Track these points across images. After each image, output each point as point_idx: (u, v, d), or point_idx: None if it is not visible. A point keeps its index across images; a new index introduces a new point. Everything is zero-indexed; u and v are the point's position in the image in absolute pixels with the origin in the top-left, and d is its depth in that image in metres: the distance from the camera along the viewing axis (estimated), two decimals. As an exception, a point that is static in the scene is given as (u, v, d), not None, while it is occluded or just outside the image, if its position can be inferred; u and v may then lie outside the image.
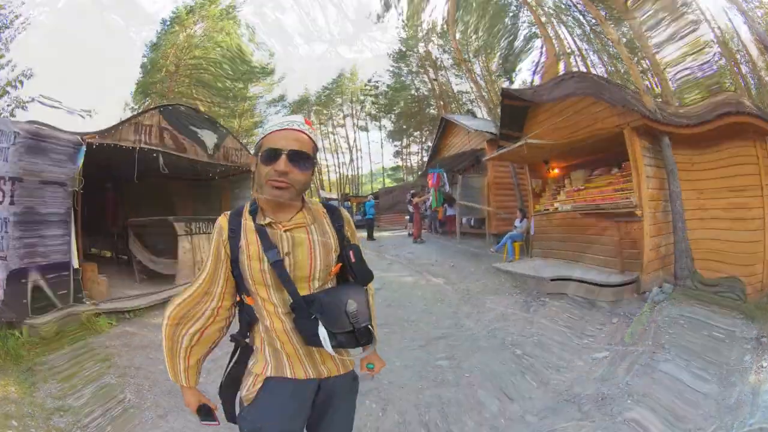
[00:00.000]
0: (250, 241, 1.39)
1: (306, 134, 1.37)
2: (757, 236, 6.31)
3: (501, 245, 9.88)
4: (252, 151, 1.53)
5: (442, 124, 17.02)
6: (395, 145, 42.86)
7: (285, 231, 1.41)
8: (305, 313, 1.34)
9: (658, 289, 6.21)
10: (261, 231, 1.39)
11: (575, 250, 8.06)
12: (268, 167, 1.33)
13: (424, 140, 38.61)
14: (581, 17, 20.26)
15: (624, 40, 19.05)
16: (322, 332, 1.30)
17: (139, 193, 11.93)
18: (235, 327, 1.57)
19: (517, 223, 10.20)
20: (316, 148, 1.43)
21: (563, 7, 20.74)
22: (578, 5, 19.66)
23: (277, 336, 1.42)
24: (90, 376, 4.22)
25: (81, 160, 5.91)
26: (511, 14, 23.32)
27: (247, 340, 1.52)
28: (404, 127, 39.50)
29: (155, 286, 7.68)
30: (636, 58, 19.94)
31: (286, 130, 1.35)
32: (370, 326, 1.43)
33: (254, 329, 1.50)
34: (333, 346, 1.31)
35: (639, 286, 6.31)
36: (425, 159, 25.64)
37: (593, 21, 19.38)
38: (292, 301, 1.37)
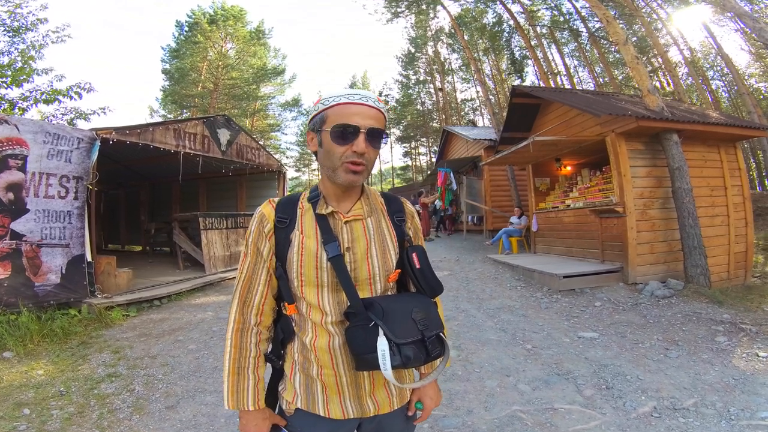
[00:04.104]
0: (307, 234, 1.09)
1: (382, 112, 1.08)
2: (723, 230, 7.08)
3: (496, 239, 10.20)
4: (309, 127, 1.13)
5: (444, 135, 17.95)
6: (404, 146, 42.81)
7: (345, 222, 1.11)
8: (363, 320, 1.01)
9: (660, 284, 6.14)
10: (322, 221, 1.10)
11: (582, 247, 7.86)
12: (343, 147, 1.03)
13: (430, 144, 38.80)
14: (581, 24, 20.18)
15: (635, 38, 18.90)
16: (382, 344, 0.95)
17: (168, 192, 12.39)
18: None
19: (514, 219, 10.31)
20: (386, 124, 1.13)
21: (561, 20, 20.66)
22: (582, 11, 19.50)
23: (317, 357, 1.08)
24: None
25: (95, 155, 5.90)
26: (504, 39, 23.38)
27: (281, 362, 1.19)
28: (412, 134, 40.01)
29: (197, 272, 8.28)
30: (645, 57, 19.79)
31: (359, 105, 1.04)
32: (442, 334, 1.09)
33: (287, 350, 1.17)
34: (394, 366, 0.95)
35: (626, 276, 6.53)
36: (434, 159, 25.72)
37: (595, 27, 19.21)
38: (348, 305, 1.06)
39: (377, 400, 1.13)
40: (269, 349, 1.19)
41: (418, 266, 1.14)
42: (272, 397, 1.19)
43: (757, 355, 3.85)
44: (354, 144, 1.02)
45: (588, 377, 3.59)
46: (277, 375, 1.20)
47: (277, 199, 1.18)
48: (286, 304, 1.13)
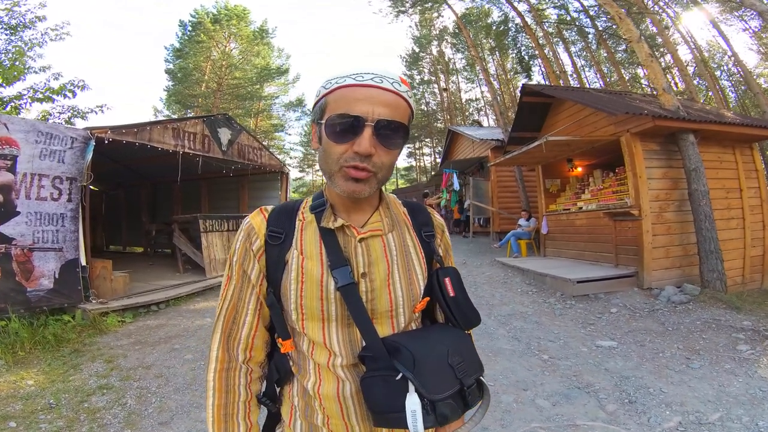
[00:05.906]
0: (308, 254, 0.85)
1: (403, 97, 0.79)
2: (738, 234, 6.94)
3: (504, 241, 10.03)
4: (311, 117, 0.84)
5: (450, 135, 17.71)
6: (408, 147, 42.67)
7: (360, 240, 0.86)
8: (384, 369, 0.77)
9: (676, 289, 5.99)
10: (329, 238, 0.85)
11: (594, 250, 7.67)
12: (341, 145, 0.77)
13: (434, 145, 38.66)
14: (590, 22, 20.00)
15: (642, 38, 18.74)
16: (413, 403, 0.73)
17: (169, 193, 12.32)
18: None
19: (522, 222, 10.11)
20: (412, 117, 0.85)
21: (569, 20, 20.51)
22: (590, 10, 19.33)
23: (323, 405, 0.84)
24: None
25: (90, 155, 5.74)
26: (510, 38, 23.24)
27: (278, 405, 0.96)
28: (416, 135, 39.90)
29: (197, 275, 8.15)
30: (657, 57, 19.60)
31: (370, 87, 0.76)
32: (482, 377, 0.86)
33: (284, 391, 0.93)
34: (427, 428, 0.74)
35: (641, 281, 6.36)
36: (438, 160, 25.63)
37: (603, 26, 19.04)
38: (364, 345, 0.82)
39: None
40: (263, 390, 0.96)
41: (452, 294, 0.89)
42: None
43: (787, 366, 3.67)
44: (356, 142, 0.76)
45: (609, 390, 3.41)
46: (274, 416, 0.96)
47: (270, 207, 0.94)
48: (280, 339, 0.89)
